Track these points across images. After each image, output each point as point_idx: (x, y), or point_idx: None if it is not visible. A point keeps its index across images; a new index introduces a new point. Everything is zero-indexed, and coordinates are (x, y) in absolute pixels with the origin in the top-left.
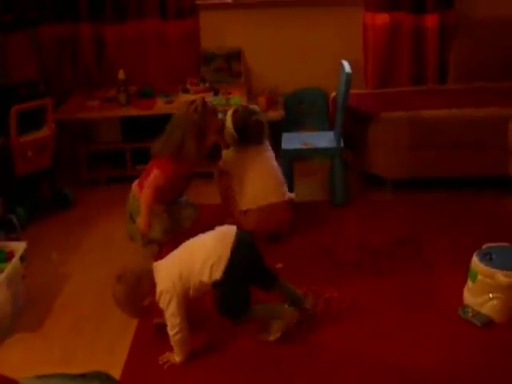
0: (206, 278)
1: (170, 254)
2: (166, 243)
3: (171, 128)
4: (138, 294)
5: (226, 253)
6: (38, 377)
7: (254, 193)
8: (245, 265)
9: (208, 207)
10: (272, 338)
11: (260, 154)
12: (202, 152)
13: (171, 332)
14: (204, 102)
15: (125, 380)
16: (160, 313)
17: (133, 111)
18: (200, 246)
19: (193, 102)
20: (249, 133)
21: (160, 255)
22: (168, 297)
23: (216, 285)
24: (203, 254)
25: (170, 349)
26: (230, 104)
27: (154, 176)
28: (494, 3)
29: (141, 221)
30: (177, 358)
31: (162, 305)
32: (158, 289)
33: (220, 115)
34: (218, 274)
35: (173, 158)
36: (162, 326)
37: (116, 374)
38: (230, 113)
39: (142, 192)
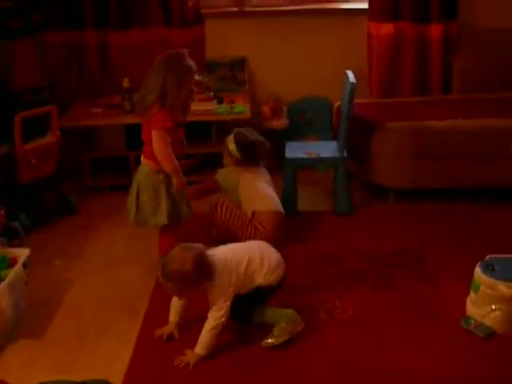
0: (272, 279)
1: (223, 250)
2: (166, 233)
3: (150, 73)
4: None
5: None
6: None
7: (266, 197)
8: None
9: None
10: (276, 342)
11: (261, 173)
12: (180, 99)
13: (218, 313)
14: (185, 54)
15: None
16: (162, 324)
17: (137, 119)
18: (269, 253)
19: (175, 52)
20: (253, 152)
21: (162, 246)
22: (229, 289)
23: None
24: (273, 262)
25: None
26: (234, 112)
27: (156, 139)
28: (495, 14)
29: (177, 181)
30: (200, 350)
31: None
32: (217, 280)
33: (197, 76)
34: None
35: (160, 109)
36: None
37: (117, 381)
38: (230, 137)
39: (161, 162)
